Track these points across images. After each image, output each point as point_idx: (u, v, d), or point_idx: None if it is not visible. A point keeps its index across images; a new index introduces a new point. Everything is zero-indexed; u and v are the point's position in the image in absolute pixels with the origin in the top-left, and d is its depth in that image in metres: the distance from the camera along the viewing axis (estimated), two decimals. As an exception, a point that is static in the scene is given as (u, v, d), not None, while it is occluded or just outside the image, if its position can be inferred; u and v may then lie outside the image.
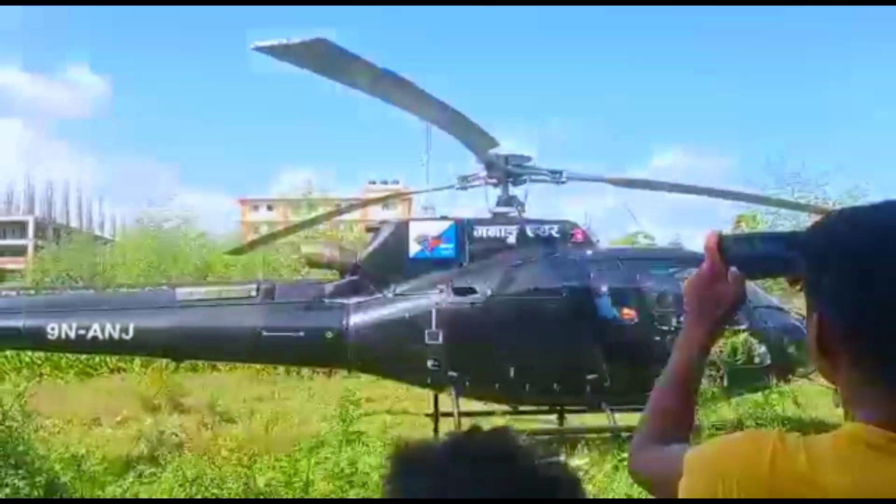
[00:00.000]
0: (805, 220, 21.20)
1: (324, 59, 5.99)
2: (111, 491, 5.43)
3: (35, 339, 9.58)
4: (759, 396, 5.45)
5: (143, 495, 5.61)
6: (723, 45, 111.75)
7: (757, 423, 5.31)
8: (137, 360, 17.08)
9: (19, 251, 70.98)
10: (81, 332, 9.28)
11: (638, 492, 4.87)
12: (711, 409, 5.04)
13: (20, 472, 5.16)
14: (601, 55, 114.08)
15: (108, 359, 18.59)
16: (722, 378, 5.13)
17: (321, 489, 5.23)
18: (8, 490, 4.99)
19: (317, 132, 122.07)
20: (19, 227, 79.57)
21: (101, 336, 9.31)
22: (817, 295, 1.20)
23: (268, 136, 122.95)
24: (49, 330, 9.28)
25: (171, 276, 26.99)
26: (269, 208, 77.20)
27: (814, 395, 11.70)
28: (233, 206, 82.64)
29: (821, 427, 10.23)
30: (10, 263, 55.93)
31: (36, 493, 5.12)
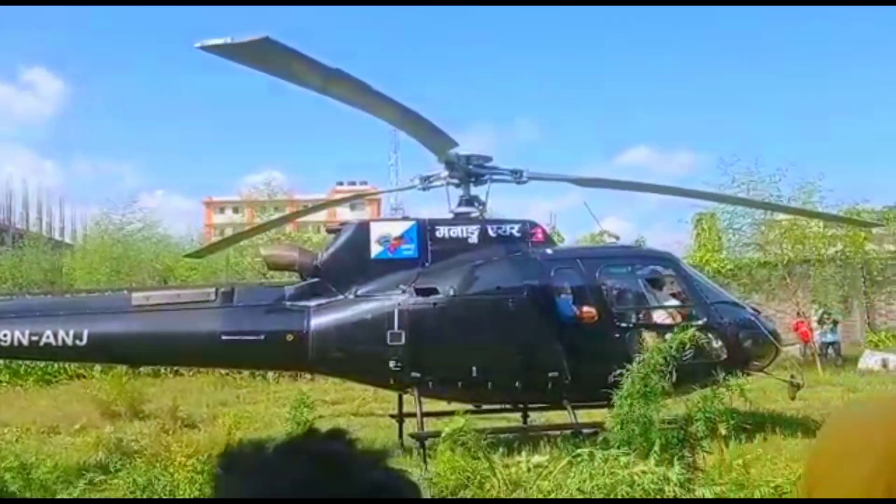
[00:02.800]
0: (760, 217, 21.67)
1: (270, 57, 5.94)
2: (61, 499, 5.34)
3: None
4: (708, 391, 5.56)
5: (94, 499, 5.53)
6: (689, 42, 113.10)
7: (706, 417, 5.40)
8: (98, 367, 16.85)
9: (-23, 257, 69.47)
10: (34, 338, 9.09)
11: (593, 485, 4.92)
12: (661, 405, 5.13)
13: (-33, 481, 5.07)
14: (566, 52, 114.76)
15: (67, 365, 18.29)
16: (671, 374, 5.24)
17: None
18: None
19: (283, 133, 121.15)
20: (-23, 233, 77.95)
21: (54, 342, 9.13)
22: None
23: (233, 137, 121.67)
24: (1, 336, 9.08)
25: (133, 280, 26.61)
26: (235, 210, 76.47)
27: (771, 388, 11.98)
28: (197, 208, 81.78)
29: (774, 419, 10.40)
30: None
31: (-17, 503, 5.03)
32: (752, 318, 10.98)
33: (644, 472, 4.65)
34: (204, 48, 5.49)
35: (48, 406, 14.89)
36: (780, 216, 20.75)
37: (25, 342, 9.07)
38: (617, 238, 25.15)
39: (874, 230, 30.28)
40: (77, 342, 9.13)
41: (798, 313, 22.14)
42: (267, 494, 0.93)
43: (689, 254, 25.05)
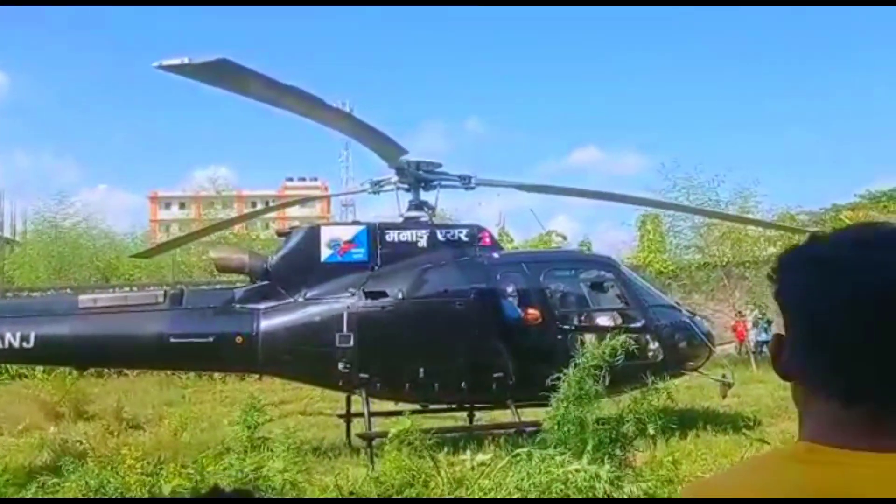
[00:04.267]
0: (699, 220, 22.44)
1: (226, 77, 6.10)
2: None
3: None
4: (638, 393, 5.93)
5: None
6: (639, 44, 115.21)
7: (636, 417, 5.77)
8: (40, 367, 16.59)
9: None
10: None
11: (530, 483, 5.20)
12: (595, 406, 5.46)
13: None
14: (520, 53, 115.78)
15: (8, 366, 17.93)
16: (605, 377, 5.58)
17: (226, 494, 5.36)
18: None
19: (231, 127, 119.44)
20: None
21: (0, 345, 9.08)
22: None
23: (179, 130, 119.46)
24: None
25: (74, 279, 26.11)
26: (182, 206, 75.22)
27: (708, 387, 12.52)
28: (142, 203, 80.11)
29: (707, 416, 10.88)
30: None
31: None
32: (688, 320, 11.48)
33: (577, 471, 4.96)
34: (161, 67, 5.62)
35: (-11, 407, 14.59)
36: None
37: (-31, 344, 8.99)
38: (564, 238, 25.76)
39: (813, 231, 31.46)
40: (24, 344, 9.09)
41: (738, 313, 22.98)
42: None
43: (633, 254, 25.77)
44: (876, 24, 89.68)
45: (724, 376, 11.34)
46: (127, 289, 20.23)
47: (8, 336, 9.08)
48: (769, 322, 23.15)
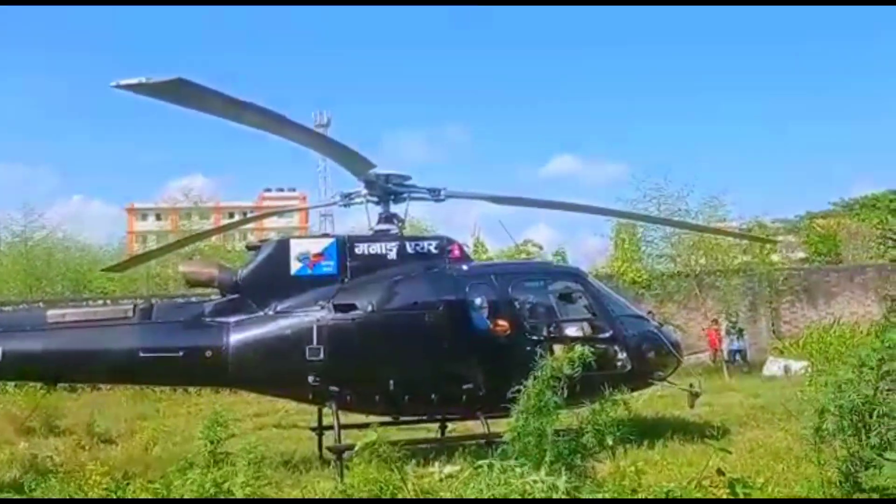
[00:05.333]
0: (670, 230, 22.75)
1: (184, 95, 6.18)
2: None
3: None
4: (597, 405, 6.07)
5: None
6: (613, 52, 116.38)
7: (595, 429, 5.89)
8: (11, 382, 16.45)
9: None
10: None
11: (490, 494, 5.29)
12: (554, 418, 5.58)
13: None
14: (495, 61, 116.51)
15: (-23, 380, 17.75)
16: (564, 388, 5.72)
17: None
18: None
19: (208, 137, 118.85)
20: None
21: None
22: None
23: (155, 140, 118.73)
24: None
25: (47, 292, 25.89)
26: (158, 217, 74.68)
27: (678, 396, 12.68)
28: (118, 214, 79.50)
29: (676, 425, 11.05)
30: None
31: None
32: (655, 330, 11.66)
33: (535, 482, 5.06)
34: (119, 87, 5.69)
35: (-43, 422, 14.42)
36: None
37: (-65, 360, 8.94)
38: (540, 248, 25.94)
39: (784, 238, 31.97)
40: None
41: (714, 321, 23.29)
42: None
43: (608, 264, 26.03)
44: (855, 28, 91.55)
45: (691, 385, 11.50)
46: (101, 302, 20.15)
47: (-26, 351, 9.04)
48: (741, 331, 23.50)
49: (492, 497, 4.98)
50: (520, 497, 4.84)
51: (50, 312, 10.10)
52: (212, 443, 6.51)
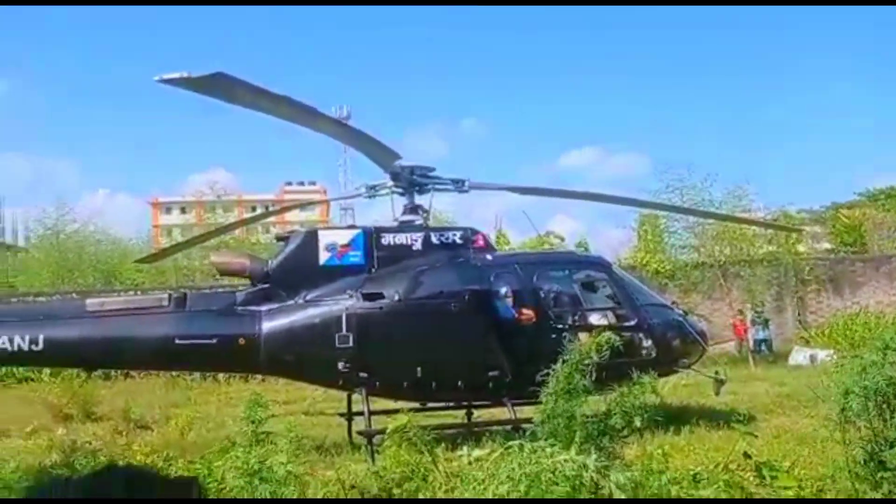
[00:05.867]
0: (693, 220, 22.70)
1: (223, 89, 6.42)
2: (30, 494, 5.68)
3: None
4: (625, 388, 6.20)
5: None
6: (634, 44, 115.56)
7: (623, 411, 6.03)
8: (47, 370, 16.88)
9: (-89, 259, 67.33)
10: None
11: (521, 473, 5.46)
12: (583, 401, 5.74)
13: (-64, 481, 5.38)
14: (514, 53, 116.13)
15: (15, 369, 18.23)
16: (592, 373, 5.87)
17: (231, 484, 5.65)
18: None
19: (230, 131, 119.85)
20: (-90, 233, 75.44)
21: (10, 348, 9.34)
22: None
23: (178, 134, 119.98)
24: None
25: (78, 283, 26.41)
26: (183, 210, 75.61)
27: (704, 384, 12.76)
28: (143, 207, 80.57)
29: (702, 412, 11.16)
30: None
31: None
32: (680, 318, 11.74)
33: (565, 461, 5.21)
34: (162, 81, 5.94)
35: (-4, 410, 14.86)
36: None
37: (-21, 348, 9.27)
38: (562, 239, 25.99)
39: (810, 229, 31.72)
40: (33, 347, 9.36)
41: (739, 311, 23.24)
42: None
43: (631, 255, 26.02)
44: (876, 21, 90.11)
45: (717, 373, 11.58)
46: (132, 293, 20.55)
47: (17, 339, 9.35)
48: (766, 321, 23.42)
49: (524, 474, 5.14)
50: (551, 473, 5.01)
51: (88, 301, 10.41)
52: (253, 423, 6.74)
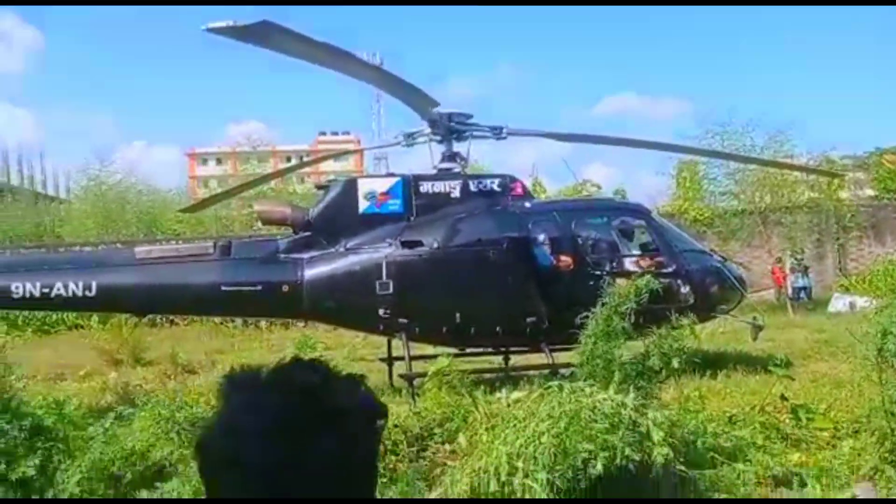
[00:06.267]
0: (734, 166, 22.36)
1: (268, 37, 6.50)
2: (92, 431, 6.00)
3: (0, 298, 9.94)
4: (663, 330, 6.27)
5: (120, 435, 6.20)
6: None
7: (661, 353, 6.11)
8: (95, 317, 17.47)
9: (-41, 211, 69.24)
10: (45, 290, 9.67)
11: (561, 411, 5.61)
12: (621, 343, 5.83)
13: (6, 416, 5.71)
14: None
15: (65, 316, 18.89)
16: (631, 316, 5.94)
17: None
18: (-3, 433, 5.55)
19: (263, 81, 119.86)
20: (-42, 186, 77.42)
21: (64, 293, 9.71)
22: None
23: (212, 86, 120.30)
24: (14, 289, 9.66)
25: (121, 233, 27.04)
26: (218, 161, 76.34)
27: (743, 331, 12.77)
28: (179, 158, 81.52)
29: (739, 358, 11.20)
30: (-49, 223, 54.69)
31: (23, 435, 5.67)
32: (719, 265, 11.72)
33: (604, 400, 5.35)
34: (209, 30, 6.03)
35: (50, 355, 15.42)
36: (752, 165, 21.45)
37: (37, 294, 9.65)
38: (599, 187, 25.82)
39: (853, 175, 30.99)
40: (87, 293, 9.72)
41: (778, 259, 23.00)
42: (256, 411, 1.10)
43: (669, 202, 25.78)
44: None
45: (754, 318, 11.59)
46: (173, 242, 21.02)
47: (71, 285, 9.71)
48: (806, 268, 23.15)
49: (563, 412, 5.29)
50: (590, 411, 5.14)
51: (137, 249, 10.73)
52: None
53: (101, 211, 28.61)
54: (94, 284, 9.75)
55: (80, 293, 9.71)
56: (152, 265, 10.15)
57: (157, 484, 5.51)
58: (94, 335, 16.29)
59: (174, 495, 5.36)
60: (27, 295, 9.66)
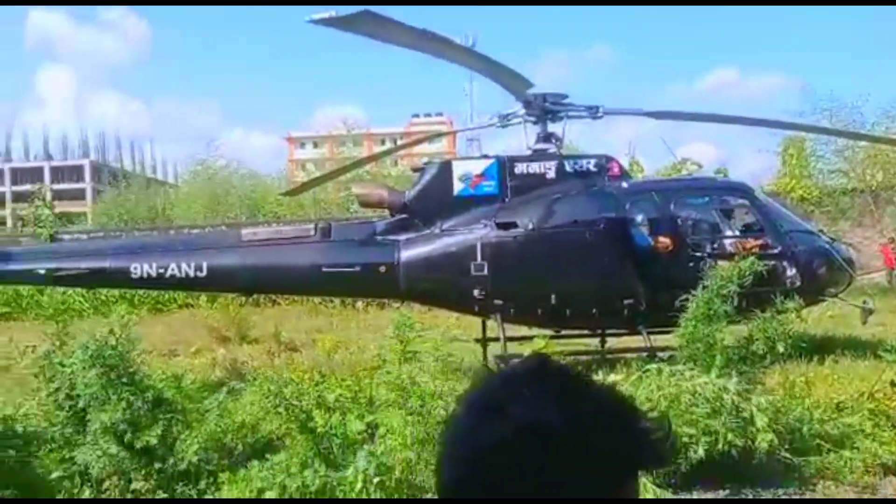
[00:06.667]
0: (843, 143, 21.25)
1: (370, 26, 6.65)
2: (207, 404, 6.38)
3: (121, 278, 10.63)
4: (768, 314, 6.07)
5: (231, 408, 6.56)
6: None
7: (766, 338, 5.94)
8: (203, 297, 18.35)
9: (78, 195, 73.74)
10: (161, 270, 10.28)
11: (660, 395, 5.56)
12: (723, 326, 5.69)
13: (131, 388, 6.13)
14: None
15: (176, 295, 19.90)
16: (733, 298, 5.77)
17: (384, 398, 6.09)
18: (123, 404, 5.97)
19: (356, 64, 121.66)
20: (76, 172, 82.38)
21: (178, 274, 10.28)
22: None
23: (307, 70, 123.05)
24: (133, 269, 10.30)
25: (227, 216, 28.22)
26: (315, 145, 78.25)
27: (851, 315, 12.24)
28: (278, 143, 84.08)
29: (848, 343, 10.76)
30: (70, 207, 58.37)
31: (146, 407, 6.09)
32: (827, 246, 11.24)
33: (706, 384, 5.26)
34: (312, 21, 6.26)
35: (163, 332, 16.30)
36: (863, 142, 20.35)
37: (154, 274, 10.26)
38: (700, 166, 25.04)
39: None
40: (198, 274, 10.26)
41: (890, 239, 21.83)
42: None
43: (774, 181, 24.79)
44: None
45: (864, 302, 11.08)
46: (274, 224, 21.79)
47: (184, 266, 10.27)
48: (921, 249, 21.86)
49: (662, 396, 5.25)
50: (691, 395, 5.08)
51: (244, 232, 11.23)
52: (402, 342, 7.16)
53: (208, 195, 29.93)
54: (204, 265, 10.27)
55: (192, 273, 10.25)
56: (258, 247, 10.59)
57: (268, 456, 5.79)
58: (203, 313, 17.12)
59: (283, 467, 5.63)
60: (144, 275, 10.28)
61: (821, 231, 13.00)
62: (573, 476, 0.97)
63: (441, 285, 10.62)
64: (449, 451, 1.05)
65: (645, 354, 9.92)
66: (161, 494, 5.81)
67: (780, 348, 5.98)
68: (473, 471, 0.99)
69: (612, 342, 11.58)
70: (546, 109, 11.00)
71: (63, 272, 10.40)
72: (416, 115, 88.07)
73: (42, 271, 10.48)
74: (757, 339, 5.93)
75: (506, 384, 1.05)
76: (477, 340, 11.85)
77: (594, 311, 10.42)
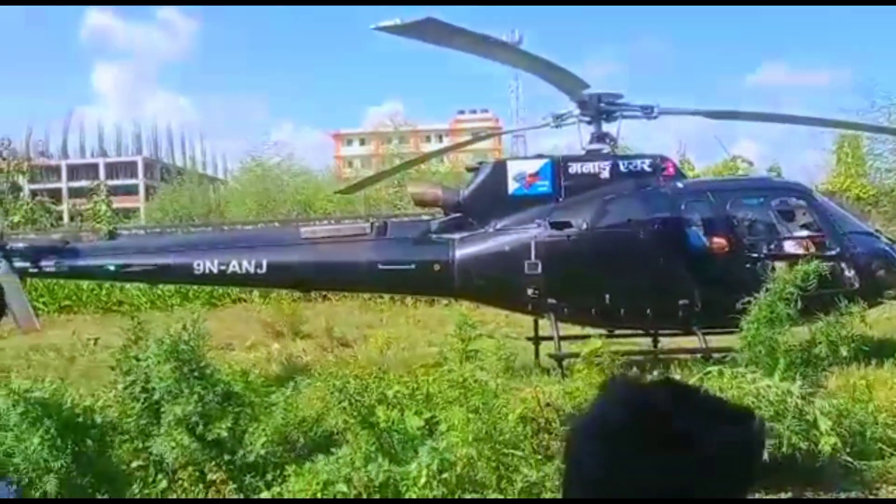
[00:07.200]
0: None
1: (433, 33, 6.81)
2: (273, 398, 6.59)
3: (183, 274, 10.98)
4: (832, 317, 6.02)
5: (298, 402, 6.77)
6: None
7: (829, 341, 5.91)
8: (256, 292, 18.71)
9: (131, 190, 75.69)
10: (223, 267, 10.59)
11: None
12: (786, 329, 5.68)
13: (202, 381, 6.37)
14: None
15: (230, 290, 20.33)
16: (796, 301, 5.74)
17: (445, 396, 6.22)
18: (195, 397, 6.21)
19: (401, 61, 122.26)
20: (129, 168, 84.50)
21: (239, 270, 10.58)
22: None
23: (353, 67, 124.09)
24: (195, 266, 10.64)
25: (279, 212, 28.70)
26: (362, 142, 78.98)
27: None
28: (325, 139, 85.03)
29: (884, 345, 10.57)
30: (124, 202, 59.96)
31: (216, 400, 6.32)
32: (887, 247, 11.04)
33: (769, 387, 5.27)
34: (378, 28, 6.44)
35: (218, 326, 16.61)
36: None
37: (215, 270, 10.58)
38: (751, 164, 24.70)
39: None
40: (258, 270, 10.55)
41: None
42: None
43: (829, 180, 24.33)
44: None
45: (925, 305, 10.85)
46: (325, 222, 22.12)
47: (245, 263, 10.57)
48: None
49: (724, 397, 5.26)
50: (754, 398, 5.10)
51: (303, 229, 11.52)
52: (462, 341, 7.29)
53: (260, 191, 30.45)
54: (264, 262, 10.55)
55: (252, 270, 10.54)
56: (316, 244, 10.84)
57: (333, 450, 5.96)
58: (256, 308, 17.48)
59: (347, 461, 5.79)
60: (206, 272, 10.60)
61: (879, 232, 12.75)
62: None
63: (495, 283, 10.72)
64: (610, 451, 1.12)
65: (699, 356, 9.94)
66: (231, 485, 6.02)
67: (843, 352, 5.94)
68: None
69: (664, 342, 11.56)
70: (601, 110, 11.02)
71: (131, 268, 10.79)
72: (462, 112, 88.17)
73: (112, 267, 10.89)
74: (820, 343, 5.91)
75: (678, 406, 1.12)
76: (529, 338, 11.92)
77: (648, 311, 10.42)
